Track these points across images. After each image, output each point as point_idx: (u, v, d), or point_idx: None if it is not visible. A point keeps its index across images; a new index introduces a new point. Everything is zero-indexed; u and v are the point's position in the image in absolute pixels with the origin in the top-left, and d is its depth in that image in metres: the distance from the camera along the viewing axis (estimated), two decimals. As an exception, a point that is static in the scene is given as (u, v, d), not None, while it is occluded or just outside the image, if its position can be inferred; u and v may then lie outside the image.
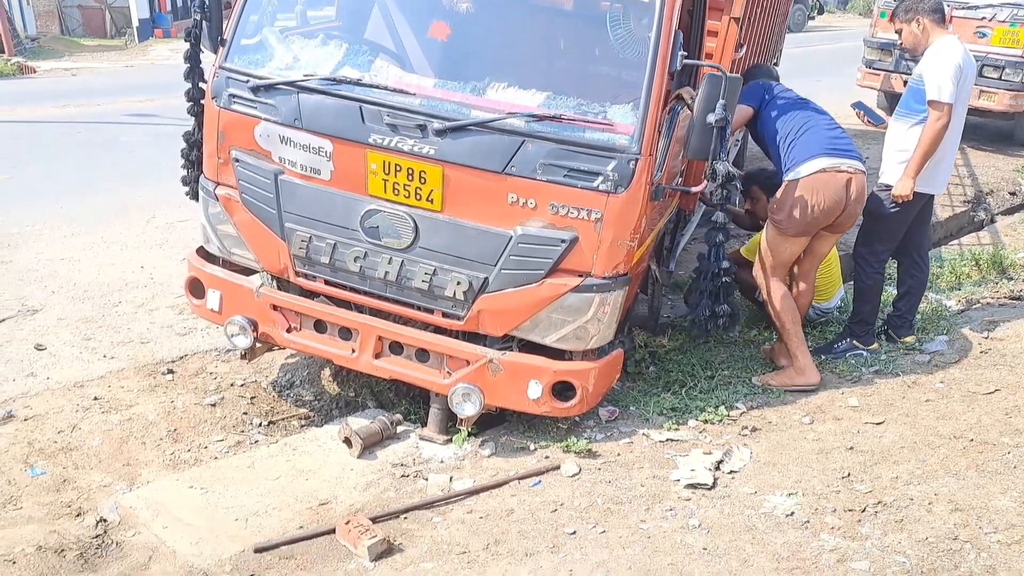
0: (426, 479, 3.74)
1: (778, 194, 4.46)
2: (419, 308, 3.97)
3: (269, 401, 4.57)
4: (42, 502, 3.52)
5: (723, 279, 4.06)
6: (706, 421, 4.12)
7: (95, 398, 4.32)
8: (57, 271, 5.90)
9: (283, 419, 4.46)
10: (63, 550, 3.23)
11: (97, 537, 3.33)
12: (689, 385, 4.55)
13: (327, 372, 4.87)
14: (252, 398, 4.53)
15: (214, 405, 4.38)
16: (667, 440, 3.96)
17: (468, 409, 3.87)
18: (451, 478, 3.74)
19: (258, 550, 3.24)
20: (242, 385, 4.62)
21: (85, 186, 7.90)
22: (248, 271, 4.34)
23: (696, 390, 4.49)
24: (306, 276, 4.07)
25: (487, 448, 3.98)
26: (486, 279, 3.78)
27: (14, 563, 3.12)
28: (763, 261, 4.58)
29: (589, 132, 3.63)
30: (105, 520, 3.43)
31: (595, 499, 3.48)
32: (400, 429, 4.15)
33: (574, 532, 3.27)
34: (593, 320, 3.81)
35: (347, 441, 3.96)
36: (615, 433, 4.09)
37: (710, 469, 3.60)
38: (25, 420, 4.08)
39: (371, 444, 3.97)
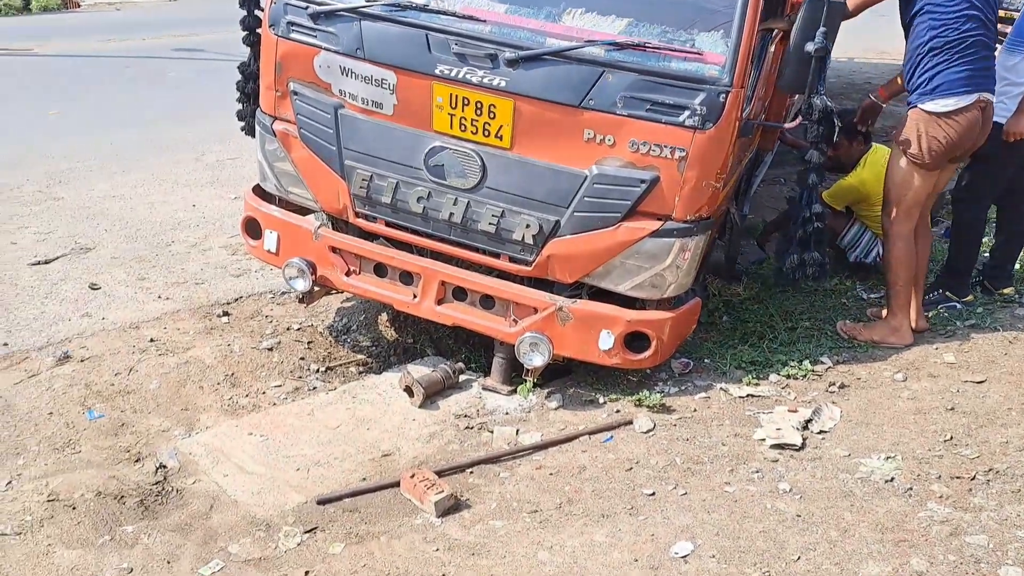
0: (491, 432, 3.60)
1: (920, 125, 3.96)
2: (484, 252, 3.77)
3: (326, 346, 4.45)
4: (100, 446, 3.46)
5: (814, 224, 3.78)
6: (789, 376, 3.89)
7: (151, 340, 4.24)
8: (108, 209, 5.82)
9: (341, 365, 4.33)
10: (123, 496, 3.16)
11: (157, 484, 3.26)
12: (768, 337, 4.31)
13: (384, 317, 4.73)
14: (309, 343, 4.42)
15: (271, 349, 4.27)
16: (747, 396, 3.74)
17: (536, 360, 3.69)
18: (517, 431, 3.59)
19: (321, 502, 3.14)
20: (298, 329, 4.50)
21: (134, 122, 7.81)
22: (305, 210, 4.19)
23: (776, 342, 4.25)
24: (366, 217, 3.89)
25: (554, 400, 3.81)
26: (557, 222, 3.57)
27: (74, 508, 3.07)
28: (895, 203, 4.11)
29: (675, 62, 3.35)
30: (165, 466, 3.36)
31: (673, 458, 3.30)
32: (462, 378, 4.00)
33: (653, 493, 3.11)
34: (671, 267, 3.58)
35: (408, 390, 3.83)
36: (690, 387, 3.89)
37: (797, 428, 3.39)
38: (82, 361, 4.01)
39: (433, 393, 3.84)
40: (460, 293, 3.89)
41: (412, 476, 3.17)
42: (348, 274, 4.01)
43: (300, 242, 4.02)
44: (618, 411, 3.71)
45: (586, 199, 3.49)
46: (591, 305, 3.70)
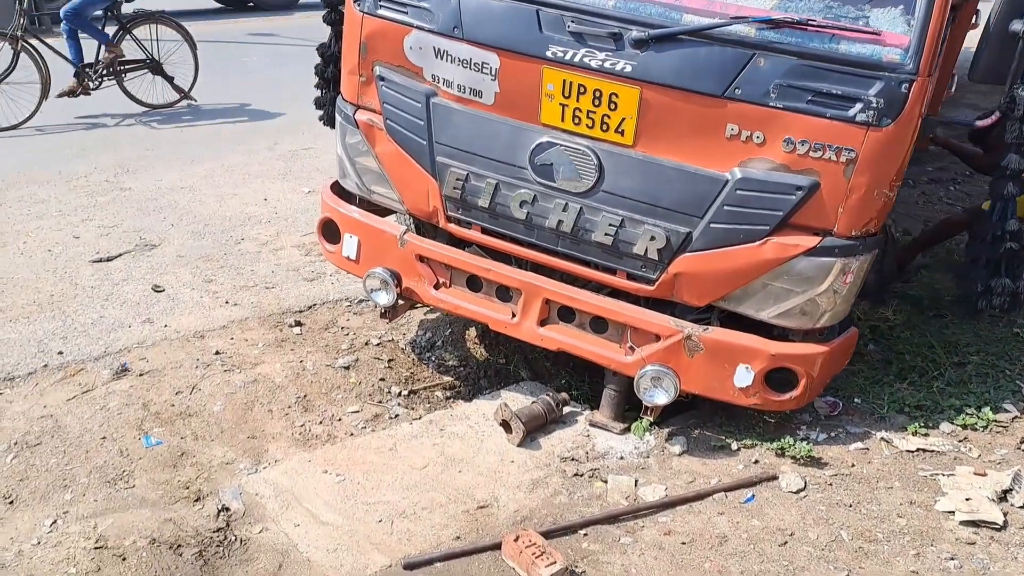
0: (604, 481, 3.08)
1: None
2: (598, 267, 3.26)
3: (408, 365, 3.99)
4: (157, 480, 3.06)
5: (1008, 244, 3.12)
6: (965, 426, 3.26)
7: (216, 352, 3.84)
8: (177, 201, 5.49)
9: (425, 388, 3.87)
10: (179, 546, 2.75)
11: (219, 531, 2.83)
12: (931, 374, 3.66)
13: (473, 332, 4.24)
14: (389, 361, 3.97)
15: (347, 368, 3.83)
16: (917, 450, 3.13)
17: (659, 397, 3.16)
18: (636, 481, 3.06)
19: (408, 566, 2.67)
20: (378, 344, 4.06)
21: (206, 110, 7.51)
22: (385, 211, 3.73)
23: (942, 381, 3.60)
24: (459, 222, 3.41)
25: (676, 443, 3.27)
26: (688, 234, 3.02)
27: (124, 560, 2.67)
28: None
29: (845, 43, 2.75)
30: (228, 509, 2.93)
31: (838, 531, 2.72)
32: (565, 410, 3.49)
33: (816, 579, 2.54)
34: (828, 292, 2.99)
35: (505, 425, 3.33)
36: (841, 434, 3.30)
37: (993, 500, 2.77)
38: (140, 376, 3.64)
39: (533, 429, 3.34)
40: (567, 314, 3.37)
41: (516, 539, 2.67)
42: (437, 287, 3.53)
43: (383, 249, 3.56)
44: (756, 461, 3.14)
45: (726, 208, 2.93)
46: (728, 335, 3.14)
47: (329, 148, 3.77)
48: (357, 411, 3.58)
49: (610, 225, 3.11)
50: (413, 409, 3.67)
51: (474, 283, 3.51)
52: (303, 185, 5.86)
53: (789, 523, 2.77)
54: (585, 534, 2.80)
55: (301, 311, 4.27)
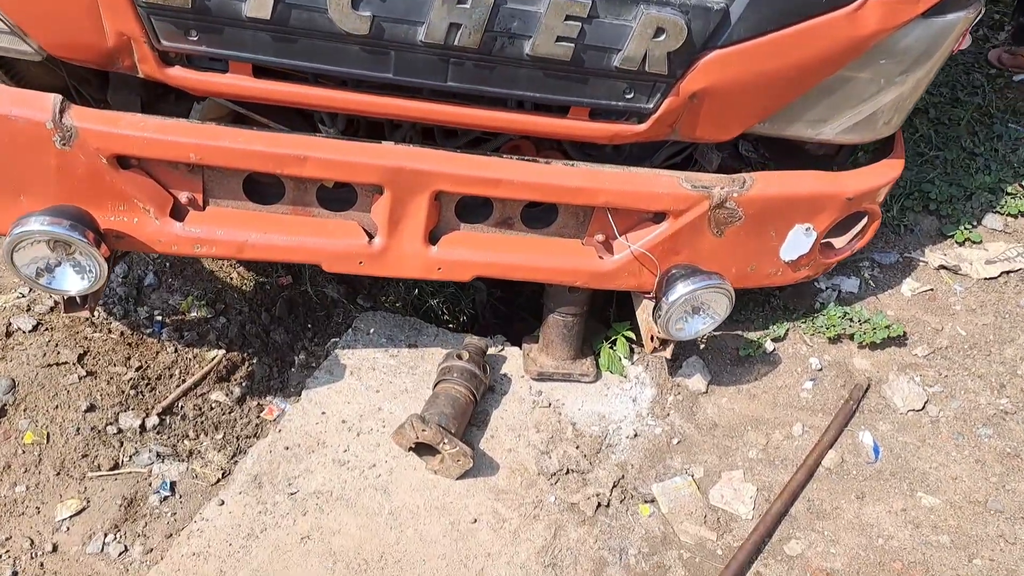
0: (649, 501, 1.77)
1: None
2: (524, 109, 1.68)
3: (119, 357, 2.07)
4: None
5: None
6: (1018, 213, 2.40)
7: None
8: None
9: (186, 393, 2.04)
10: None
11: None
12: (934, 154, 2.71)
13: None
14: (79, 360, 2.02)
15: (4, 409, 1.85)
16: (1000, 275, 2.23)
17: (700, 324, 1.81)
18: (694, 479, 1.79)
19: None
20: (33, 330, 2.05)
21: None
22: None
23: (951, 153, 2.66)
24: (192, 59, 1.59)
25: (689, 370, 2.04)
26: (724, 13, 1.55)
27: None
28: None
29: None
30: None
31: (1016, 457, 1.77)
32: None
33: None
34: (926, 73, 1.79)
35: (420, 448, 1.79)
36: (876, 274, 2.28)
37: None
38: None
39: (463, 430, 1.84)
40: (478, 208, 1.78)
41: None
42: (179, 214, 1.66)
43: (17, 161, 1.54)
44: (820, 369, 2.03)
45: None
46: (782, 182, 1.85)
47: None
48: (80, 509, 1.73)
49: (567, 20, 1.49)
50: (197, 456, 1.89)
51: (260, 188, 1.71)
52: None
53: (952, 474, 1.76)
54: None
55: None
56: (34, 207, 1.58)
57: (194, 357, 2.10)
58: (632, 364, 2.05)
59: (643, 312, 1.95)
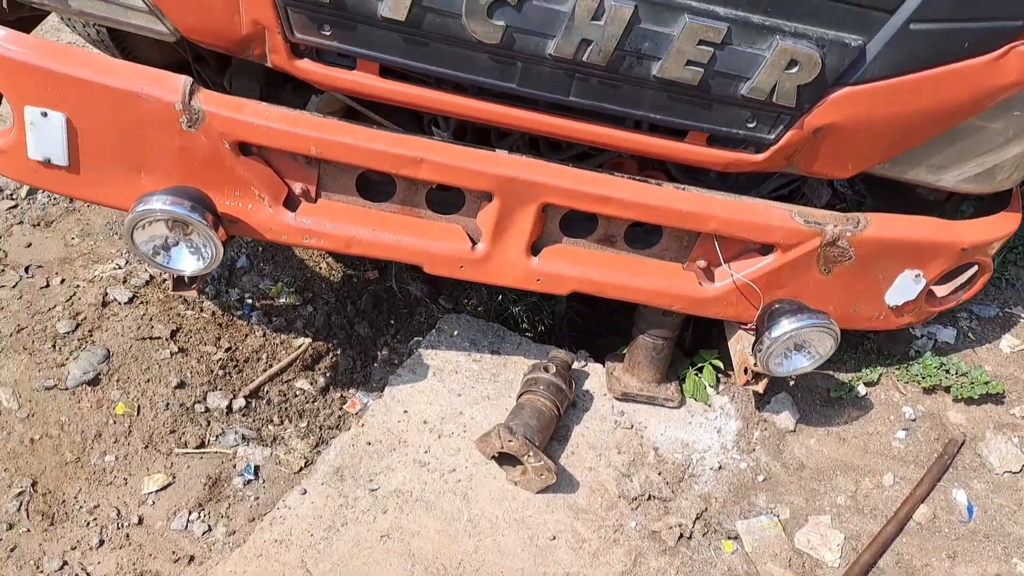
0: (732, 538, 1.74)
1: None
2: (655, 131, 1.66)
3: (211, 337, 2.11)
4: None
5: None
6: None
7: None
8: None
9: (271, 379, 2.07)
10: None
11: None
12: None
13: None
14: (172, 335, 2.06)
15: (94, 383, 1.90)
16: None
17: (801, 361, 1.79)
18: (780, 519, 1.76)
19: None
20: (129, 302, 2.10)
21: None
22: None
23: None
24: (322, 53, 1.60)
25: (778, 407, 2.00)
26: (861, 50, 1.52)
27: None
28: None
29: None
30: None
31: None
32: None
33: None
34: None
35: (502, 459, 1.79)
36: (974, 325, 2.24)
37: None
38: None
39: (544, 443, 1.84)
40: (575, 223, 1.78)
41: None
42: (292, 204, 1.69)
43: (143, 137, 1.58)
44: (913, 419, 1.99)
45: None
46: (896, 226, 1.80)
47: None
48: (166, 484, 1.77)
49: (700, 44, 1.48)
50: (280, 442, 1.92)
51: (371, 185, 1.73)
52: None
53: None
54: None
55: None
56: (153, 186, 1.62)
57: (281, 343, 2.14)
58: (718, 394, 2.03)
59: (738, 343, 1.93)
